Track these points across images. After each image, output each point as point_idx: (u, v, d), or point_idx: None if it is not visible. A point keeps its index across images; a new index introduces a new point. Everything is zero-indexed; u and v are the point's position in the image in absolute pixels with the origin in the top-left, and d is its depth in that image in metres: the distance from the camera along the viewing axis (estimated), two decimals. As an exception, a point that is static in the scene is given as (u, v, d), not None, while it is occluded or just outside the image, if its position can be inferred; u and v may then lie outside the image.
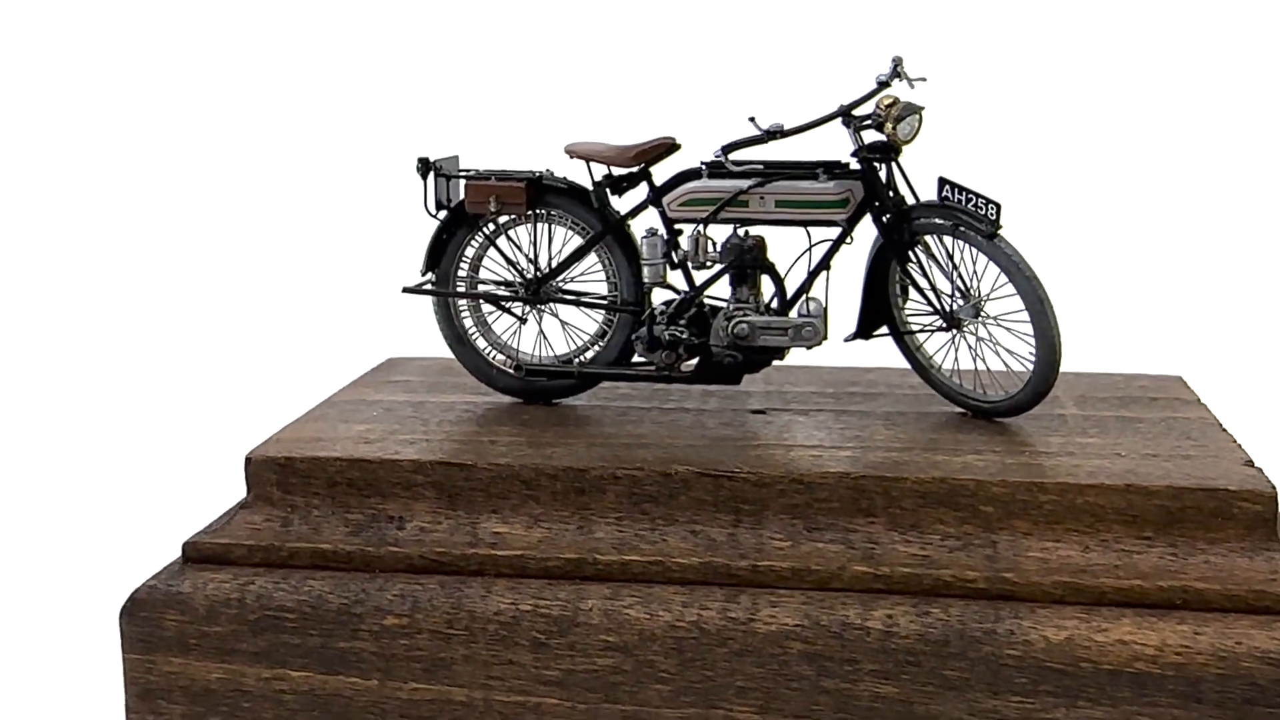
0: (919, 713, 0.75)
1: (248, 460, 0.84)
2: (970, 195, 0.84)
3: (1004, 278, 0.84)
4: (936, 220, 0.85)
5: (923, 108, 0.85)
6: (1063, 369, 0.87)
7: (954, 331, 0.87)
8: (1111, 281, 1.13)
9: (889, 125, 0.84)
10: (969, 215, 0.84)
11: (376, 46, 1.16)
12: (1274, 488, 0.76)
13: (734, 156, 0.88)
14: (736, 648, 0.76)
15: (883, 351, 0.93)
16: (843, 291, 0.90)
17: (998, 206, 0.83)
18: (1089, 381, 0.97)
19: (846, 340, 0.91)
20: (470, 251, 0.93)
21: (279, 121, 1.04)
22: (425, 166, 0.92)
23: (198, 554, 0.82)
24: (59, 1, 1.32)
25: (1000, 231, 0.83)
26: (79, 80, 1.34)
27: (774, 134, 0.86)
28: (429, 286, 0.93)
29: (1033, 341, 0.84)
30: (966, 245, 0.85)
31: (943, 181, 0.85)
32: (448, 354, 0.96)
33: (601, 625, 0.77)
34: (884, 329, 0.91)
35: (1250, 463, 0.80)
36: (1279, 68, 1.20)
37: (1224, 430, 0.86)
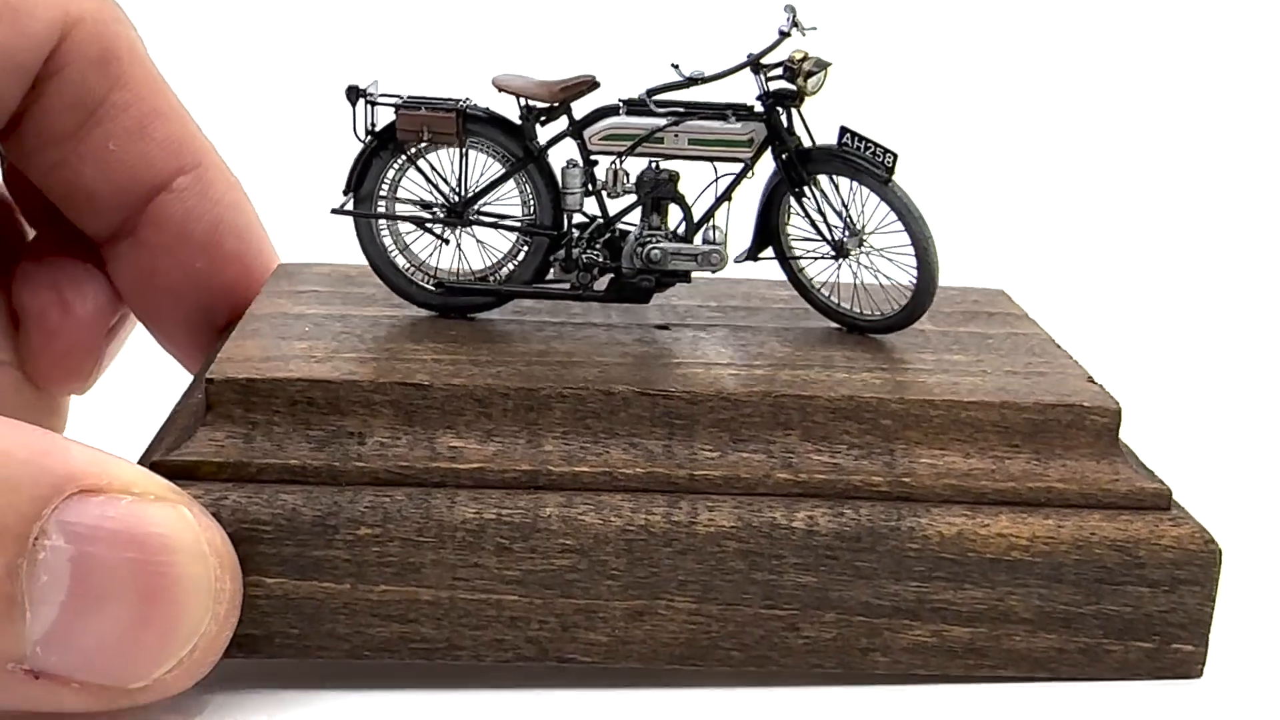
0: (833, 598, 0.87)
1: (209, 380, 0.88)
2: (869, 144, 0.95)
3: (885, 212, 0.96)
4: (835, 162, 0.96)
5: (831, 64, 0.95)
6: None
7: (840, 260, 0.99)
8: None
9: (800, 79, 0.94)
10: (867, 161, 0.95)
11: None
12: (1117, 404, 0.92)
13: (656, 98, 0.96)
14: (680, 547, 0.86)
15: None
16: (739, 220, 1.00)
17: (895, 155, 0.94)
18: None
19: (737, 260, 1.01)
20: (391, 173, 0.99)
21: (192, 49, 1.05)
22: (355, 94, 0.96)
23: (167, 472, 0.86)
24: None
25: (894, 178, 0.95)
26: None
27: (695, 80, 0.95)
28: (351, 208, 0.98)
29: (910, 271, 0.97)
30: (860, 187, 0.96)
31: (844, 130, 0.95)
32: (330, 258, 1.02)
33: (560, 530, 0.86)
34: (769, 251, 1.01)
35: (1091, 379, 0.95)
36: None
37: (1059, 347, 1.01)
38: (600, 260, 0.98)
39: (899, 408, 0.91)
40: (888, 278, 0.99)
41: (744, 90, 0.96)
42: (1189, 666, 0.90)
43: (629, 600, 0.87)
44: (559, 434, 0.90)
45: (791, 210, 0.99)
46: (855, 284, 1.00)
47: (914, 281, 0.97)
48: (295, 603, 0.86)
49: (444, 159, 0.98)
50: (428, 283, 1.00)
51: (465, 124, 0.96)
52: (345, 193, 0.98)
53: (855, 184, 0.96)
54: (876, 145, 0.94)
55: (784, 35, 0.96)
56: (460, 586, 0.86)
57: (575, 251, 0.98)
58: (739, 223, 1.00)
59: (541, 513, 0.86)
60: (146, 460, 0.88)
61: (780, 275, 1.02)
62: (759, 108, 0.97)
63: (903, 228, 0.95)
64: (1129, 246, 1.53)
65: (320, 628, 0.86)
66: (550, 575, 0.86)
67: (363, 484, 0.87)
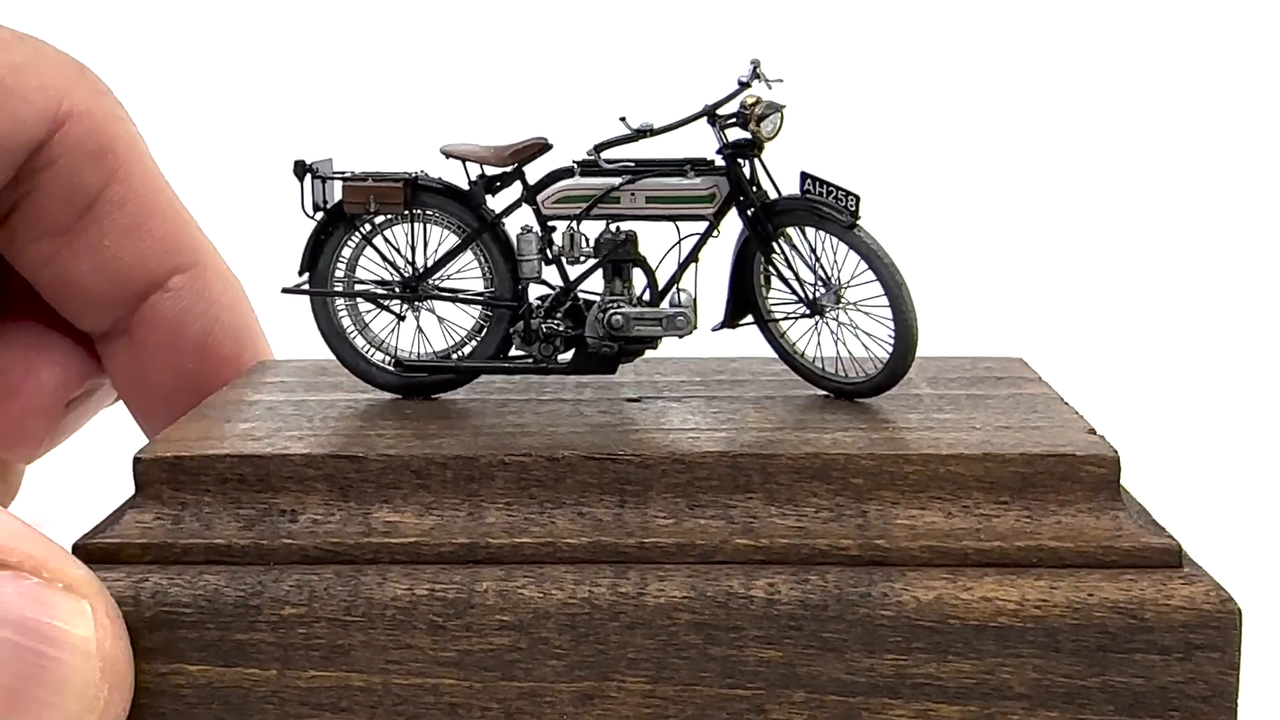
0: (801, 674, 0.79)
1: (136, 460, 0.85)
2: (831, 188, 0.89)
3: (863, 265, 0.89)
4: (799, 212, 0.90)
5: (785, 106, 0.90)
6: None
7: (817, 318, 0.93)
8: (952, 269, 1.20)
9: (753, 123, 0.89)
10: (830, 207, 0.89)
11: (250, 50, 1.17)
12: (1115, 452, 0.83)
13: (605, 155, 0.92)
14: (628, 621, 0.79)
15: (747, 342, 0.98)
16: (710, 284, 0.95)
17: (857, 198, 0.88)
18: (938, 364, 1.03)
19: (714, 330, 0.95)
20: (347, 252, 0.95)
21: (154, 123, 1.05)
22: (302, 169, 0.94)
23: (89, 556, 0.82)
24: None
25: (859, 222, 0.88)
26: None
27: (644, 132, 0.90)
28: (307, 286, 0.95)
29: (891, 325, 0.90)
30: (828, 236, 0.90)
31: (804, 176, 0.90)
32: (319, 355, 0.99)
33: (496, 605, 0.80)
34: (749, 318, 0.95)
35: (1092, 431, 0.87)
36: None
37: (1066, 404, 0.93)
38: (561, 330, 0.93)
39: (870, 464, 0.83)
40: (869, 335, 0.92)
41: (704, 145, 0.92)
42: None
43: (576, 682, 0.80)
44: (501, 505, 0.84)
45: (767, 270, 0.93)
46: (837, 345, 0.93)
47: (893, 334, 0.90)
48: (221, 692, 0.80)
49: (399, 235, 0.95)
50: (387, 363, 0.96)
51: (416, 194, 0.93)
52: (300, 274, 0.95)
53: (822, 233, 0.90)
54: (838, 189, 0.89)
55: (744, 86, 0.91)
56: (393, 670, 0.80)
57: (535, 322, 0.93)
58: (712, 288, 0.94)
59: (477, 587, 0.80)
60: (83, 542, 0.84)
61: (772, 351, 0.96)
62: (719, 161, 0.92)
63: (874, 276, 0.89)
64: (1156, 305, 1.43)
65: None
66: (489, 655, 0.80)
67: (291, 562, 0.82)
